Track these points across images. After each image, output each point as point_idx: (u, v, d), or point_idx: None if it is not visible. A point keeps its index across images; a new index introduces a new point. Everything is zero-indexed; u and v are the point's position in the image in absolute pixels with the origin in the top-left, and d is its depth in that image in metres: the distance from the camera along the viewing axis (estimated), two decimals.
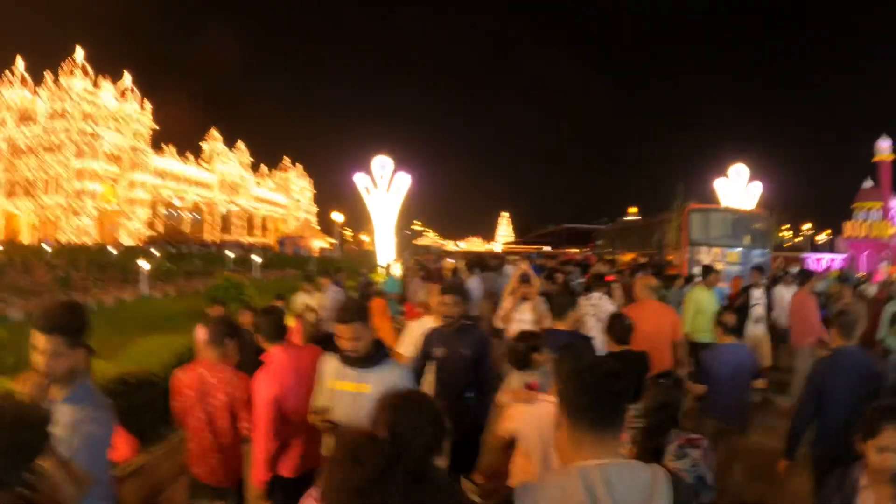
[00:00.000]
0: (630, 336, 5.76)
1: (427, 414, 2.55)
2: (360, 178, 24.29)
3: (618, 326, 5.80)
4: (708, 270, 11.06)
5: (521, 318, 8.17)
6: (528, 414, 4.04)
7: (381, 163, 24.15)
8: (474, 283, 13.53)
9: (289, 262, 42.51)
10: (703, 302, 10.00)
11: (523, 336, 5.07)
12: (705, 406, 6.19)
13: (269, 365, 4.54)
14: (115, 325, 15.90)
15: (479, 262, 16.56)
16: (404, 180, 24.20)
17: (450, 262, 21.21)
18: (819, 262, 46.12)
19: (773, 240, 22.08)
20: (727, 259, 18.79)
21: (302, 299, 11.24)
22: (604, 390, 2.15)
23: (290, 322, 8.65)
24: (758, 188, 31.98)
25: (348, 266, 32.41)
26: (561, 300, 6.27)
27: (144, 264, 23.86)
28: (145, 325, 13.42)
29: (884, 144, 52.60)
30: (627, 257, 25.38)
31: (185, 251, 53.06)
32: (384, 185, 24.18)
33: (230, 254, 41.35)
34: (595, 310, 8.45)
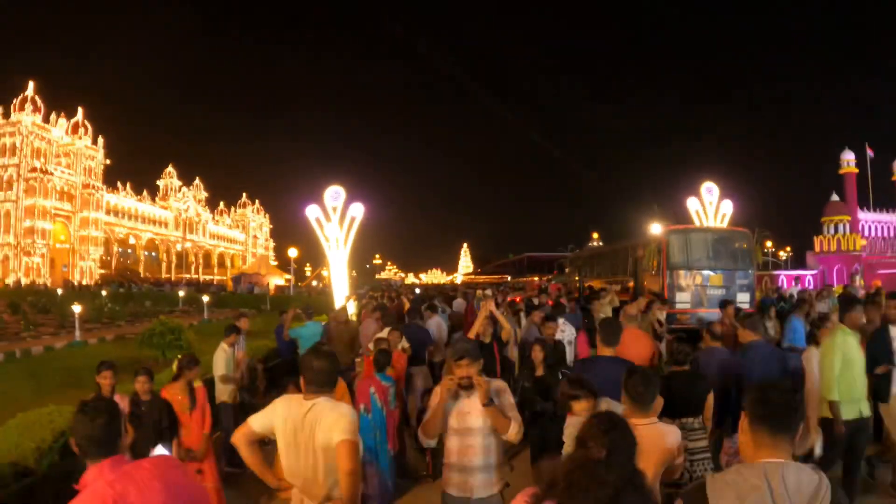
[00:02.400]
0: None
1: (630, 430, 2.84)
2: (311, 211, 22.64)
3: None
4: (850, 302, 7.54)
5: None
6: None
7: (334, 193, 22.57)
8: (434, 325, 11.94)
9: (242, 301, 40.97)
10: (852, 352, 6.71)
11: (571, 383, 4.83)
12: None
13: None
14: (35, 376, 14.42)
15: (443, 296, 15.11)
16: (358, 211, 22.51)
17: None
18: (794, 279, 45.27)
19: (756, 259, 20.57)
20: (710, 282, 17.36)
21: (221, 359, 9.00)
22: (781, 403, 2.57)
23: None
24: (729, 206, 30.84)
25: (306, 303, 30.89)
26: (610, 327, 6.09)
27: (76, 308, 21.96)
28: (65, 378, 12.55)
29: (848, 157, 52.56)
30: (597, 284, 23.96)
31: (135, 291, 50.98)
32: (337, 217, 22.54)
33: (181, 293, 39.61)
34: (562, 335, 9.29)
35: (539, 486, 2.39)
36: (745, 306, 15.32)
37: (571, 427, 4.51)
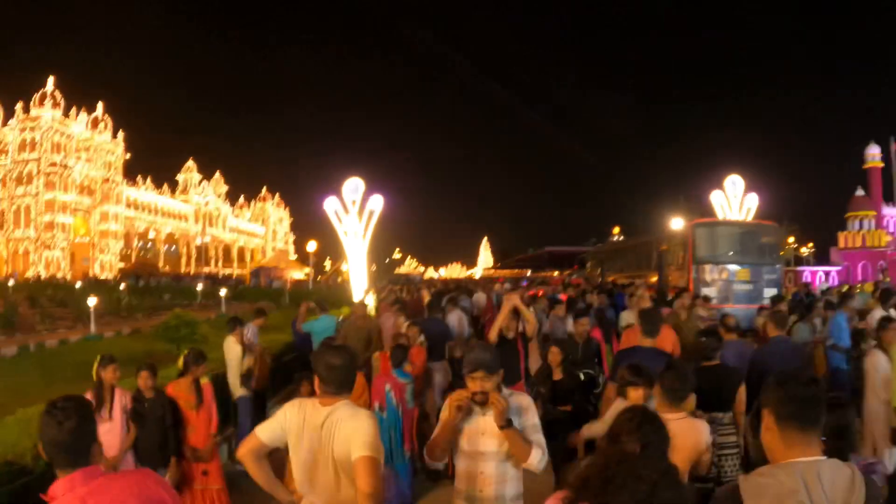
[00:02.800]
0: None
1: (663, 425, 2.98)
2: (330, 203, 22.28)
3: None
4: None
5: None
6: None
7: (353, 186, 22.23)
8: (455, 319, 11.60)
9: (261, 295, 40.73)
10: None
11: (631, 370, 4.81)
12: None
13: None
14: (47, 370, 14.21)
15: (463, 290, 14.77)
16: (377, 203, 22.15)
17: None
18: (817, 275, 44.62)
19: (782, 254, 20.04)
20: (737, 277, 16.89)
21: (231, 353, 9.03)
22: (807, 397, 2.52)
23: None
24: (754, 200, 30.31)
25: (323, 297, 30.63)
26: (651, 317, 6.29)
27: (91, 300, 21.77)
28: (78, 372, 11.58)
29: (873, 151, 51.82)
30: (620, 279, 23.49)
31: (153, 284, 50.96)
32: (356, 210, 22.21)
33: (199, 287, 39.46)
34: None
35: (569, 488, 2.23)
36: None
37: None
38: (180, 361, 6.72)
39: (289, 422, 3.47)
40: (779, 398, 2.54)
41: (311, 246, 44.93)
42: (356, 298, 18.88)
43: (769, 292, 16.19)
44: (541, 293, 18.06)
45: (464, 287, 24.30)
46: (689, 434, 3.92)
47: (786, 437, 2.48)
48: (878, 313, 9.09)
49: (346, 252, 22.83)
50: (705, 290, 16.50)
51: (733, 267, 17.07)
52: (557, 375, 7.01)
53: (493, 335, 7.22)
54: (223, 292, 32.19)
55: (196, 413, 6.40)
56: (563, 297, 13.78)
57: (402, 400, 7.02)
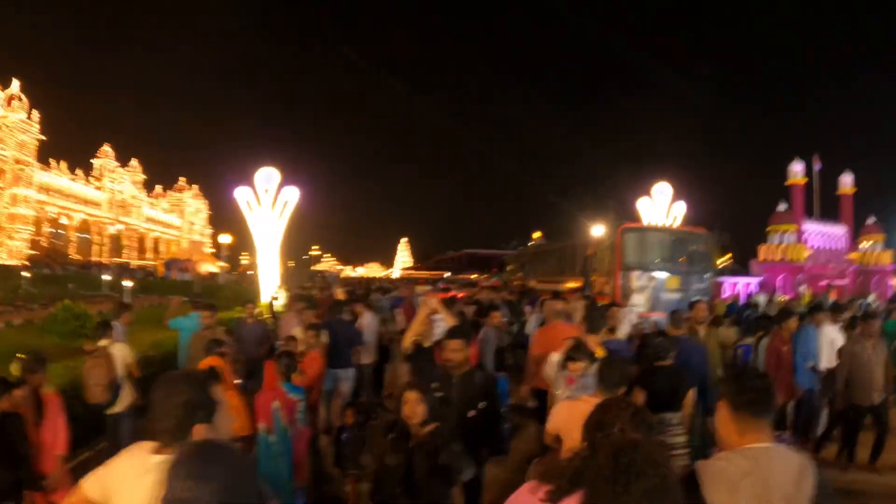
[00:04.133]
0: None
1: (649, 415, 2.88)
2: (241, 193, 21.01)
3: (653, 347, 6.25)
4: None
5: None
6: (571, 412, 4.03)
7: (266, 175, 20.99)
8: (367, 321, 10.53)
9: (170, 288, 39.04)
10: None
11: (574, 347, 5.47)
12: None
13: None
14: None
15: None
16: (292, 195, 20.99)
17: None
18: (735, 286, 44.85)
19: (714, 263, 19.28)
20: (666, 286, 16.15)
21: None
22: (760, 388, 2.70)
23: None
24: (682, 208, 29.99)
25: (234, 293, 29.25)
26: (595, 315, 6.96)
27: None
28: None
29: (797, 168, 52.52)
30: (543, 285, 22.66)
31: (60, 273, 48.64)
32: (269, 201, 20.99)
33: (106, 277, 37.60)
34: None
35: (551, 481, 2.16)
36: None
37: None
38: (14, 367, 5.49)
39: (115, 475, 2.50)
40: (734, 389, 2.70)
41: (226, 239, 43.39)
42: (265, 295, 17.72)
43: None
44: (461, 295, 17.03)
45: (385, 287, 23.32)
46: None
47: (740, 425, 2.63)
48: (829, 328, 9.47)
49: (256, 245, 21.55)
50: (633, 299, 15.76)
51: (662, 275, 16.34)
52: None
53: (406, 343, 6.29)
54: (128, 284, 30.47)
55: (37, 431, 5.18)
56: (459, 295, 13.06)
57: (292, 420, 5.89)
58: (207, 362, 6.29)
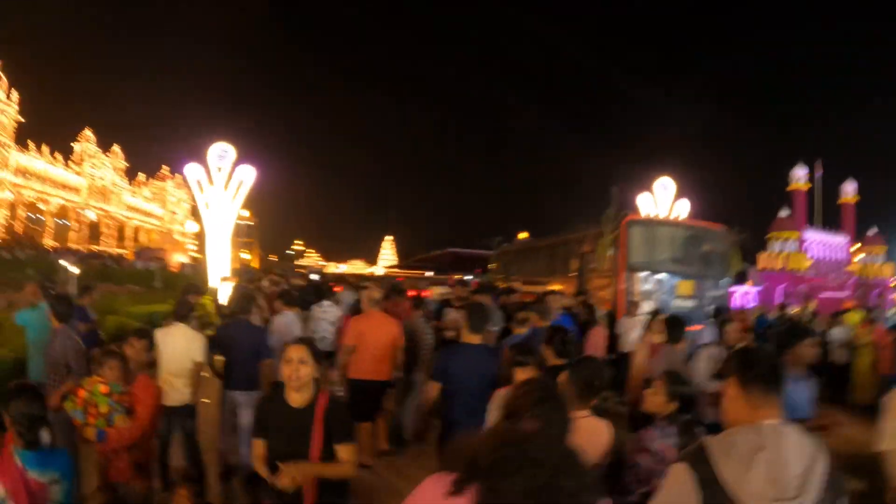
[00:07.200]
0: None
1: (565, 403, 2.76)
2: (191, 170, 18.48)
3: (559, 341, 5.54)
4: None
5: None
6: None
7: (220, 151, 18.52)
8: (283, 323, 7.95)
9: (130, 277, 36.57)
10: None
11: (516, 349, 4.94)
12: None
13: None
14: None
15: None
16: (248, 174, 18.47)
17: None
18: (734, 296, 42.86)
19: (733, 266, 16.37)
20: (677, 291, 13.58)
21: None
22: (770, 362, 2.59)
23: None
24: (686, 206, 27.56)
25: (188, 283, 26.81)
26: (479, 316, 5.84)
27: None
28: None
29: (800, 173, 51.02)
30: (528, 286, 19.95)
31: (22, 258, 46.09)
32: (223, 181, 18.44)
33: (65, 263, 35.16)
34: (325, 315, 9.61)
35: (455, 469, 1.86)
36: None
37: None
38: None
39: None
40: (743, 363, 2.61)
41: (192, 227, 41.11)
42: (210, 286, 15.28)
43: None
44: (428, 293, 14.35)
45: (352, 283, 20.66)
46: (594, 434, 3.67)
47: (750, 400, 2.51)
48: None
49: (206, 228, 18.95)
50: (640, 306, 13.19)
51: (674, 279, 13.74)
52: None
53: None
54: (75, 270, 27.88)
55: None
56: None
57: None
58: None
